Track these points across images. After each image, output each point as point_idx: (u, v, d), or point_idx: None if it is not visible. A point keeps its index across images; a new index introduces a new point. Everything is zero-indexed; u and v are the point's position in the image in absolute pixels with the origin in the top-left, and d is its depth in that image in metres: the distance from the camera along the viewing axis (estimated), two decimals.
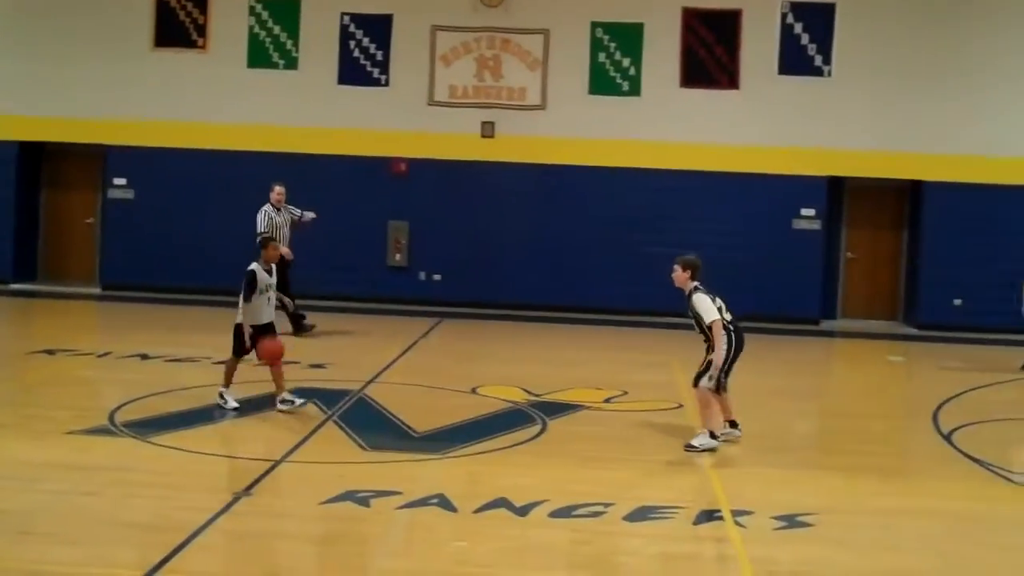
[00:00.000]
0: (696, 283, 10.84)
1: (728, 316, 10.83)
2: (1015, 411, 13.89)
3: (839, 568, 7.73)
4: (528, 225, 21.22)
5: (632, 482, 9.53)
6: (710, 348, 10.73)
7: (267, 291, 11.81)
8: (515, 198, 21.20)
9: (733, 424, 11.03)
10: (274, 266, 12.05)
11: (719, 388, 10.77)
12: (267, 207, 17.06)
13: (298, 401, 11.65)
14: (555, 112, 21.15)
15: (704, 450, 10.51)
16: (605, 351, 17.12)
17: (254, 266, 11.79)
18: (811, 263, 21.04)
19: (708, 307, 10.69)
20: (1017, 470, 10.82)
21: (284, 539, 7.85)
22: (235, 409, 11.48)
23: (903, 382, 16.92)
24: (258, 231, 16.68)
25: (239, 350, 11.74)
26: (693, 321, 10.89)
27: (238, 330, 11.69)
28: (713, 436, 10.63)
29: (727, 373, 10.80)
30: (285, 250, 16.69)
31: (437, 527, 8.21)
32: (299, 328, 17.07)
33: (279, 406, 11.58)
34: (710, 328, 10.62)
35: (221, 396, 11.62)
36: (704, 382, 10.69)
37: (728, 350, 10.69)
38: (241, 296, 11.75)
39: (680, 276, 10.86)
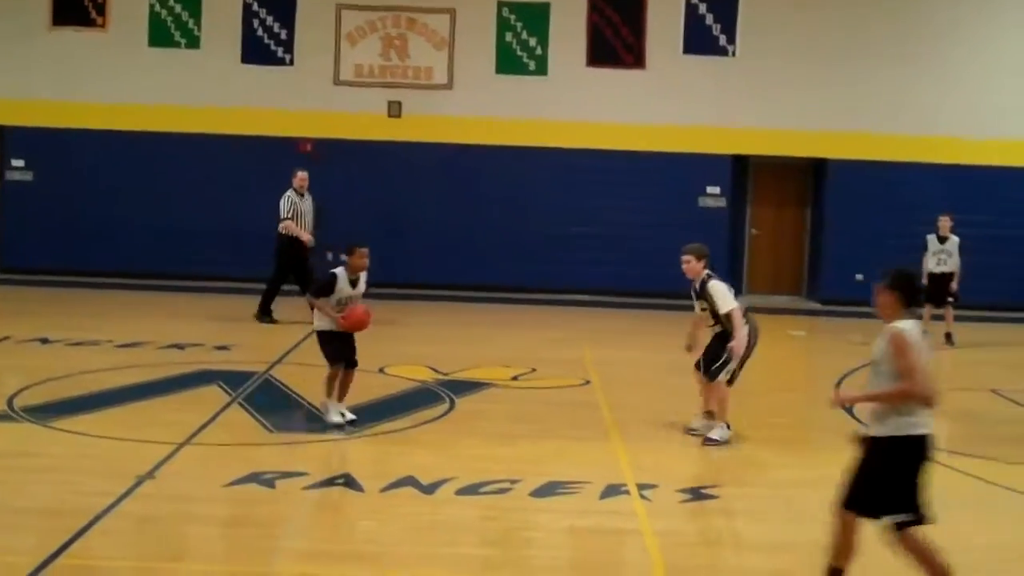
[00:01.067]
0: (708, 270, 10.35)
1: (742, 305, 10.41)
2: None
3: (744, 540, 7.85)
4: (436, 205, 21.16)
5: (539, 458, 9.56)
6: (721, 337, 10.26)
7: (347, 302, 10.58)
8: (423, 178, 21.12)
9: (710, 415, 10.61)
10: (362, 275, 10.75)
11: (732, 381, 10.35)
12: (290, 192, 16.78)
13: (348, 417, 10.60)
14: (462, 92, 21.11)
15: (723, 443, 10.13)
16: (513, 329, 17.17)
17: (339, 272, 10.61)
18: (717, 240, 21.16)
19: (725, 295, 10.18)
20: None
21: (189, 522, 7.74)
22: (341, 425, 10.38)
23: (806, 356, 17.20)
24: (281, 217, 16.57)
25: (334, 356, 10.62)
26: (701, 310, 10.41)
27: (323, 337, 10.67)
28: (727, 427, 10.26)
29: (742, 364, 10.37)
30: (307, 236, 16.62)
31: (344, 507, 8.19)
32: (263, 316, 16.83)
33: (335, 417, 10.50)
34: (728, 317, 10.13)
35: (326, 408, 10.54)
36: (722, 376, 10.23)
37: (747, 339, 10.26)
38: (310, 296, 10.83)
39: (694, 267, 10.28)
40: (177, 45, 21.16)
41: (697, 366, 10.54)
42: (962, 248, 17.05)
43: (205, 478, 8.63)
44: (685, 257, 10.35)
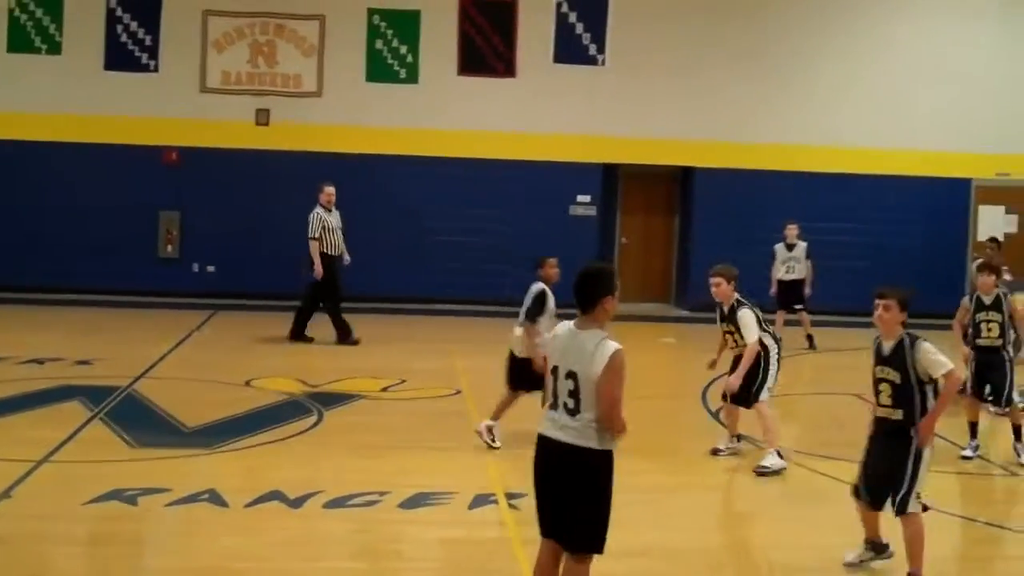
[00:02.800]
0: (738, 295, 10.23)
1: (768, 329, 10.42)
2: (776, 388, 14.45)
3: (611, 547, 7.88)
4: (304, 214, 20.81)
5: (408, 469, 9.51)
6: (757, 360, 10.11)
7: (552, 317, 9.98)
8: (291, 187, 20.74)
9: (739, 438, 10.62)
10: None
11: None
12: (318, 208, 16.38)
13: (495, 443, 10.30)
14: (331, 99, 20.94)
15: (777, 472, 9.84)
16: (384, 339, 17.04)
17: (541, 287, 10.23)
18: (587, 248, 21.35)
19: (753, 327, 10.04)
20: (783, 444, 11.24)
21: (48, 542, 7.54)
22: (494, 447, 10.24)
23: (674, 363, 17.40)
24: (309, 235, 16.18)
25: (525, 382, 10.16)
26: (727, 332, 10.36)
27: (522, 362, 10.20)
28: (780, 454, 10.00)
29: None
30: (319, 268, 16.16)
31: (208, 523, 8.03)
32: (345, 337, 16.43)
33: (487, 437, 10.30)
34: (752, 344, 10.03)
35: (489, 432, 10.31)
36: (764, 396, 10.09)
37: (776, 363, 10.22)
38: (523, 316, 10.26)
39: (725, 290, 10.16)
40: (37, 51, 20.58)
41: (724, 397, 10.45)
42: (811, 254, 17.47)
43: (64, 496, 8.41)
44: (715, 280, 10.20)
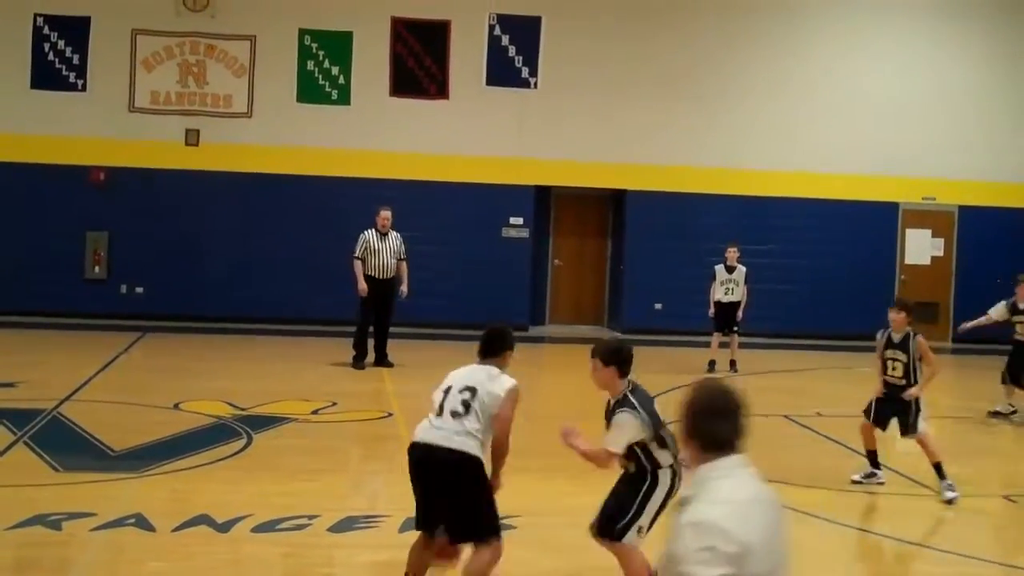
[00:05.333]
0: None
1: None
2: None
3: (542, 570, 7.86)
4: (235, 235, 20.74)
5: (338, 493, 9.43)
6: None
7: None
8: (221, 208, 20.67)
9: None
10: None
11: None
12: (370, 230, 16.35)
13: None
14: (262, 120, 20.79)
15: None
16: (314, 362, 16.85)
17: None
18: (520, 270, 21.46)
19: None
20: None
21: None
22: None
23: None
24: (354, 255, 16.14)
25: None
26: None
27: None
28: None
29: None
30: (363, 284, 16.14)
31: (134, 548, 7.90)
32: (355, 360, 16.44)
33: None
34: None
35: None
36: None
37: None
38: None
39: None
40: None
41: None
42: (748, 277, 17.62)
43: None
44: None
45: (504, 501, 9.35)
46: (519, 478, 10.19)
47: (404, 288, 16.51)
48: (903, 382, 10.29)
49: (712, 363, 17.35)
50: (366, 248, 16.28)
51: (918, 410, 10.24)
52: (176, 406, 12.75)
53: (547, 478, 10.20)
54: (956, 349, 21.45)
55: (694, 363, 17.65)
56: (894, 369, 10.34)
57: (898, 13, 22.15)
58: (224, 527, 8.24)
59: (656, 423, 6.95)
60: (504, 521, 8.64)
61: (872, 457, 10.53)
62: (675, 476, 6.98)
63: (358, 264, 16.26)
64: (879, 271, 22.15)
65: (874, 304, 20.29)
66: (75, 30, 20.46)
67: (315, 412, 12.90)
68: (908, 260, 22.59)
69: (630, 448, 6.99)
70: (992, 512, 10.23)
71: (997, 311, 14.49)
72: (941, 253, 22.69)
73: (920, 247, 22.61)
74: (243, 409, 12.71)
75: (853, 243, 22.02)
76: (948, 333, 21.57)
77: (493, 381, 6.72)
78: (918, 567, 8.40)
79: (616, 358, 7.22)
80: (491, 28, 21.32)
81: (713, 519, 3.42)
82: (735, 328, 17.50)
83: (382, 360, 16.40)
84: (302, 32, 20.95)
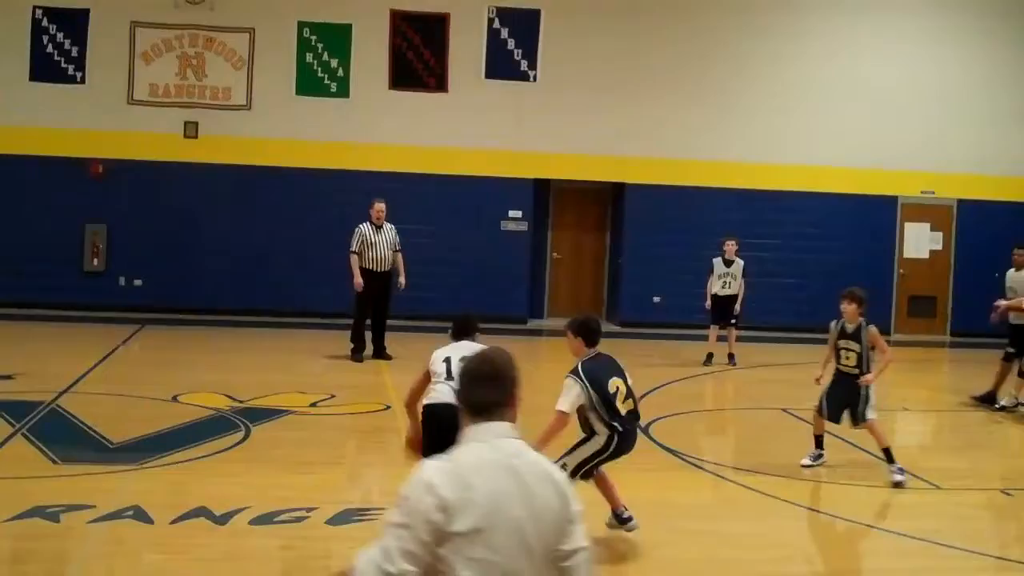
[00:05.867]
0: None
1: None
2: (706, 403, 14.58)
3: None
4: (234, 228, 20.74)
5: (336, 485, 9.45)
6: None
7: None
8: (220, 200, 20.68)
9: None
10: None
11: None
12: (364, 224, 16.24)
13: None
14: (261, 112, 20.78)
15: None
16: (313, 355, 16.87)
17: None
18: (519, 264, 21.47)
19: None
20: (707, 458, 11.33)
21: None
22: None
23: None
24: (349, 249, 16.05)
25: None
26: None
27: None
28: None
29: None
30: (358, 279, 16.03)
31: (132, 540, 7.90)
32: (354, 353, 16.37)
33: None
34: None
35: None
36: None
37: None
38: None
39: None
40: None
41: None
42: (746, 271, 17.61)
43: None
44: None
45: None
46: None
47: (402, 280, 16.45)
48: (856, 371, 10.54)
49: (709, 356, 17.36)
50: (362, 242, 16.23)
51: (867, 399, 10.44)
52: (174, 398, 12.76)
53: None
54: (954, 343, 21.53)
55: (692, 356, 17.68)
56: (847, 358, 10.62)
57: (897, 7, 22.14)
58: (222, 519, 8.25)
59: (599, 390, 7.75)
60: None
61: (819, 441, 10.82)
62: (611, 439, 7.85)
63: (354, 259, 16.19)
64: (878, 265, 22.16)
65: (873, 298, 20.40)
66: (74, 22, 20.44)
67: (313, 405, 12.90)
68: (907, 254, 22.61)
69: (579, 413, 7.89)
70: (989, 505, 10.26)
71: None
72: (940, 247, 22.72)
73: (919, 241, 22.63)
74: (241, 401, 12.72)
75: (851, 237, 22.03)
76: (946, 327, 21.60)
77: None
78: (914, 560, 8.40)
79: (583, 330, 8.04)
80: (490, 21, 21.30)
81: (428, 475, 3.56)
82: (733, 321, 17.50)
83: (380, 353, 16.38)
84: (301, 24, 20.93)
